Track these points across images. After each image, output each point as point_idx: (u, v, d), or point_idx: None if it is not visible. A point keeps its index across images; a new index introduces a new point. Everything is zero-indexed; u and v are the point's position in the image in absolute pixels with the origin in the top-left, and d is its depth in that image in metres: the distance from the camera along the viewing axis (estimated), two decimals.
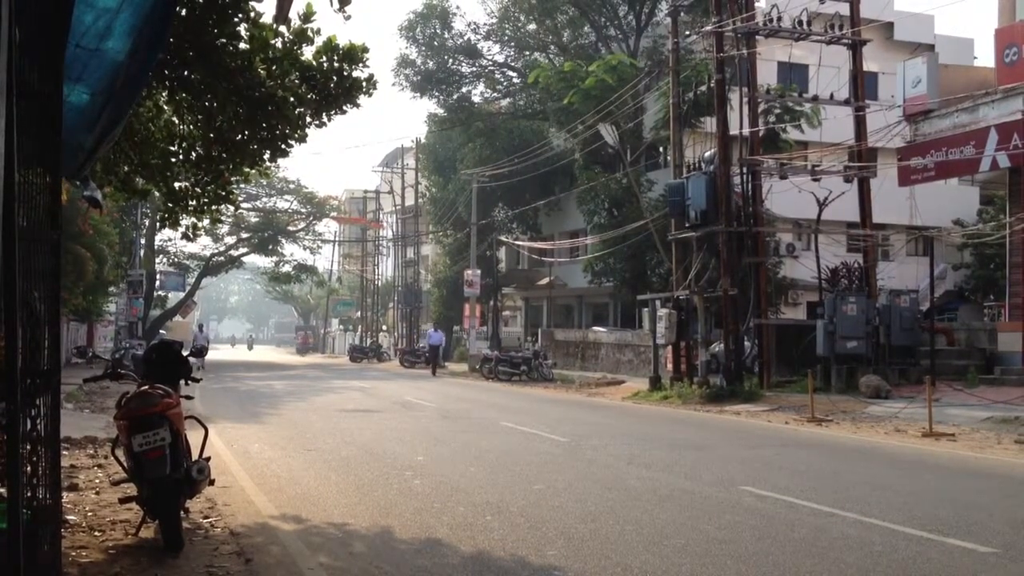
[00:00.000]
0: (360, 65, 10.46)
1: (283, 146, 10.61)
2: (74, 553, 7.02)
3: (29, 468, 4.26)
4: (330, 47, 10.32)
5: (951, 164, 24.52)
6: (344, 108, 10.73)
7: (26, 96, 4.05)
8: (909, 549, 7.41)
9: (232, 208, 12.26)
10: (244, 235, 65.39)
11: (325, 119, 10.75)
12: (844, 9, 24.86)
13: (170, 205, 11.51)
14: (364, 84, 10.58)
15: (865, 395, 20.72)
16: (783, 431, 16.74)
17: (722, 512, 8.98)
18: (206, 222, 12.72)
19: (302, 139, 10.73)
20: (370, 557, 7.27)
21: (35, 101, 4.27)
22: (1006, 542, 7.62)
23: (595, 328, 41.54)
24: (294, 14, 9.57)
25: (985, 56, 51.58)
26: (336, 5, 9.46)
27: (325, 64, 10.38)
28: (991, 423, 16.12)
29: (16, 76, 3.85)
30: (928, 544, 7.56)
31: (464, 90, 52.43)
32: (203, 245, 63.55)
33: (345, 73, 10.42)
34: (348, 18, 9.61)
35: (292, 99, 10.22)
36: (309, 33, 10.07)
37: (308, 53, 10.30)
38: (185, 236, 12.58)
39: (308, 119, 10.62)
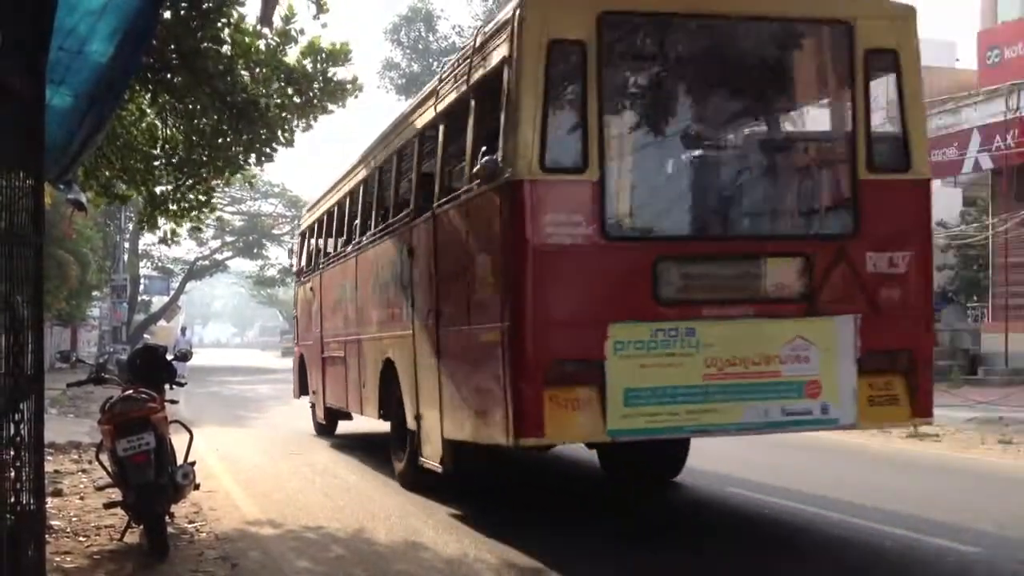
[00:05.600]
0: (344, 65, 10.47)
1: (267, 151, 10.59)
2: (58, 559, 6.98)
3: (13, 473, 4.23)
4: (313, 49, 10.33)
5: (934, 166, 24.51)
6: (329, 109, 10.73)
7: (8, 99, 4.03)
8: (894, 549, 7.43)
9: (213, 214, 12.10)
10: (228, 239, 65.10)
11: (312, 121, 10.74)
12: None
13: (149, 209, 11.48)
14: (349, 85, 10.59)
15: None
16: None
17: (708, 513, 9.00)
18: (186, 227, 12.67)
19: (289, 143, 10.71)
20: (355, 560, 7.25)
21: (18, 104, 4.25)
22: (991, 542, 7.65)
23: None
24: (276, 16, 9.58)
25: (967, 58, 51.90)
26: (313, 10, 9.48)
27: (309, 66, 10.38)
28: (975, 423, 16.19)
29: None
30: (913, 544, 7.57)
31: None
32: (187, 249, 63.30)
33: (329, 74, 10.43)
34: (324, 26, 9.68)
35: (276, 102, 10.21)
36: (292, 33, 10.06)
37: (292, 56, 10.30)
38: (163, 241, 12.53)
39: (294, 122, 10.61)
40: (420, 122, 9.70)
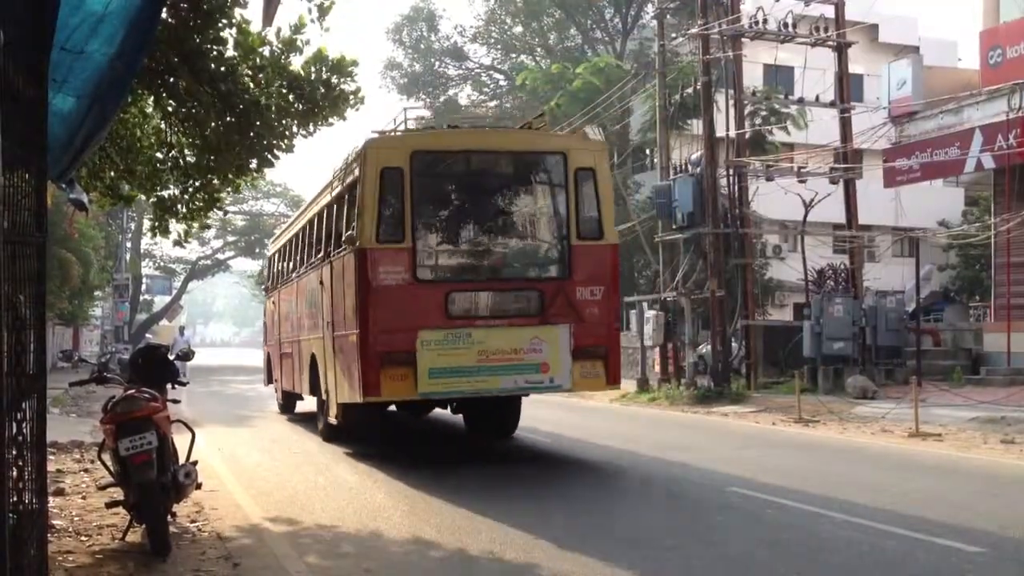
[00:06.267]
0: (348, 78, 10.46)
1: (269, 156, 10.57)
2: (61, 558, 6.99)
3: (15, 472, 4.23)
4: (319, 58, 10.31)
5: (936, 165, 24.63)
6: (330, 120, 10.73)
7: (11, 99, 4.04)
8: (897, 549, 7.44)
9: (221, 211, 12.45)
10: (230, 238, 65.20)
11: (312, 129, 10.73)
12: (829, 11, 24.93)
13: (159, 213, 11.51)
14: (351, 97, 10.59)
15: (852, 396, 20.78)
16: (770, 432, 16.79)
17: (709, 513, 9.00)
18: (196, 227, 12.71)
19: (289, 148, 10.71)
20: (358, 558, 7.26)
21: (20, 104, 4.25)
22: (993, 542, 7.65)
23: None
24: (285, 24, 9.57)
25: (969, 58, 51.86)
26: (315, 14, 9.47)
27: (313, 74, 10.37)
28: (977, 423, 16.18)
29: (1, 78, 3.83)
30: (915, 544, 7.58)
31: (451, 92, 52.45)
32: (189, 249, 63.19)
33: (333, 84, 10.42)
34: (327, 30, 9.63)
35: (278, 107, 10.20)
36: (299, 43, 10.05)
37: (297, 63, 10.29)
38: (177, 243, 12.57)
39: (294, 129, 10.59)
40: (325, 199, 14.84)
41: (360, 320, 11.91)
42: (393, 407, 15.15)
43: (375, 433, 14.14)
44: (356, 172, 12.46)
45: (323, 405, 14.74)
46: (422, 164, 12.30)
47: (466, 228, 12.92)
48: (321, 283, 14.58)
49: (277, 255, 21.47)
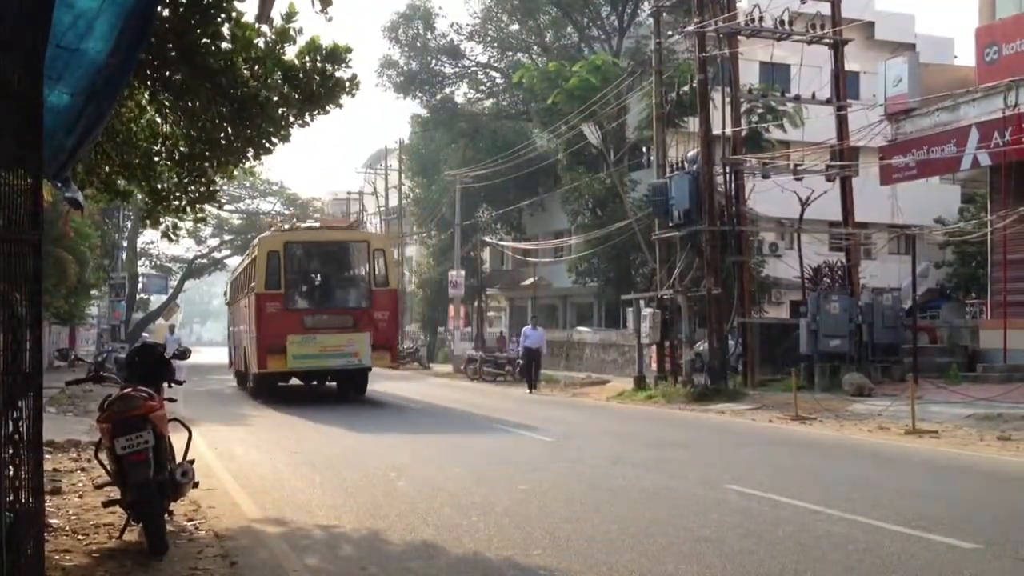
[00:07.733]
0: (343, 65, 10.41)
1: (267, 144, 10.55)
2: (57, 557, 6.97)
3: (11, 471, 4.22)
4: (313, 47, 10.27)
5: (932, 163, 24.64)
6: (327, 108, 10.68)
7: (6, 97, 4.02)
8: (893, 546, 7.44)
9: (216, 208, 12.88)
10: (227, 237, 65.19)
11: (308, 119, 10.69)
12: (825, 9, 24.94)
13: (151, 203, 11.43)
14: (347, 84, 10.53)
15: (848, 393, 20.80)
16: (767, 429, 16.80)
17: (707, 510, 9.00)
18: (189, 222, 12.65)
19: (286, 139, 10.67)
20: (356, 559, 7.25)
21: (15, 102, 4.24)
22: (990, 538, 7.66)
23: (579, 328, 41.56)
24: (276, 14, 9.52)
25: (965, 55, 51.87)
26: (318, 6, 9.41)
27: (308, 64, 10.31)
28: (973, 420, 16.20)
29: None
30: (912, 541, 7.59)
31: (447, 91, 52.43)
32: (186, 247, 63.42)
33: (328, 73, 10.37)
34: (330, 19, 9.53)
35: (275, 99, 10.17)
36: (291, 32, 10.00)
37: (291, 53, 10.25)
38: (165, 236, 12.45)
39: (291, 119, 10.56)
40: (247, 261, 27.14)
41: (257, 329, 23.24)
42: (297, 380, 25.69)
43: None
44: (255, 252, 24.35)
45: (249, 376, 25.82)
46: (290, 248, 23.83)
47: (314, 281, 24.72)
48: (245, 307, 25.96)
49: (234, 281, 33.71)
